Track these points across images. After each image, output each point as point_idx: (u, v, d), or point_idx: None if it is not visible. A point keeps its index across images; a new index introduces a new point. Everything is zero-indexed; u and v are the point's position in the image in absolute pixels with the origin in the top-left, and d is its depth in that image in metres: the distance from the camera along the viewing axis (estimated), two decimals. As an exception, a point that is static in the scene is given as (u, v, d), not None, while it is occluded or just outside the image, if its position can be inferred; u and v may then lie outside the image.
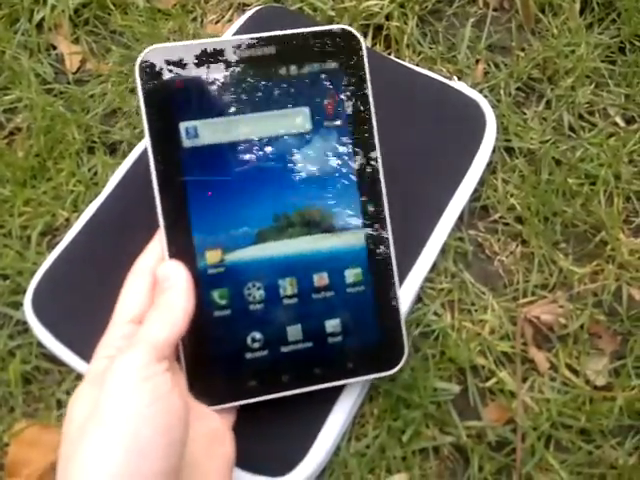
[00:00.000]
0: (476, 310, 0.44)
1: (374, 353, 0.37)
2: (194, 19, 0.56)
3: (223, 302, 0.36)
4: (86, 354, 0.41)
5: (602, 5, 0.55)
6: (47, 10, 0.55)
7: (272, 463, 0.36)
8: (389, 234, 0.37)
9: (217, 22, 0.56)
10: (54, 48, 0.55)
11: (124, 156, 0.48)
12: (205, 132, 0.36)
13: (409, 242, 0.44)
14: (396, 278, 0.37)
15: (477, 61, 0.53)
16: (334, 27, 0.37)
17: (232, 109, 0.36)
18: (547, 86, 0.52)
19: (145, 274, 0.34)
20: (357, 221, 0.37)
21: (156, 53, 0.35)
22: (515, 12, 0.55)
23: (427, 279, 0.45)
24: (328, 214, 0.37)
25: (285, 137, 0.36)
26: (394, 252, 0.38)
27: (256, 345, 0.36)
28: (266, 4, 0.54)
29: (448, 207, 0.45)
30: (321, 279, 0.37)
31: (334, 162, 0.37)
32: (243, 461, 0.36)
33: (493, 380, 0.42)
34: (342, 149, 0.37)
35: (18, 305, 0.44)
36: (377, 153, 0.37)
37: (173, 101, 0.35)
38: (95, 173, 0.49)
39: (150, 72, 0.35)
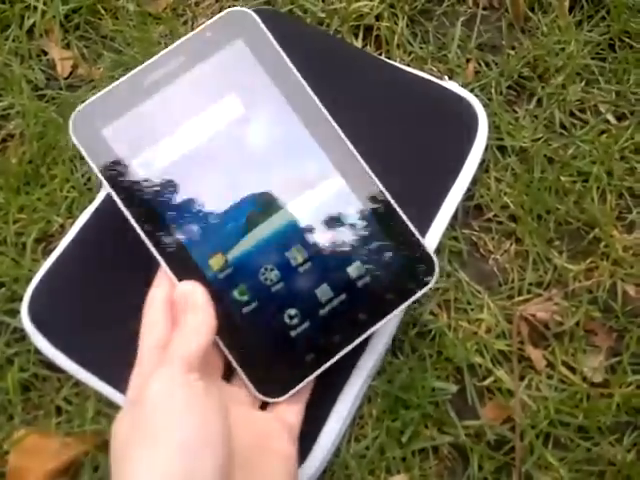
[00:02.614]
0: (472, 309, 0.45)
1: (405, 276, 0.37)
2: (185, 22, 0.55)
3: (245, 297, 0.37)
4: (84, 361, 0.41)
5: (591, 2, 0.55)
6: (37, 16, 0.54)
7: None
8: (362, 164, 0.38)
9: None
10: (45, 54, 0.54)
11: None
12: (157, 157, 0.37)
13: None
14: (392, 199, 0.38)
15: (468, 60, 0.53)
16: (224, 12, 0.38)
17: (171, 125, 0.37)
18: (538, 84, 0.52)
19: (159, 303, 0.35)
20: (328, 165, 0.37)
21: (83, 114, 0.37)
22: (505, 11, 0.55)
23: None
24: (300, 175, 0.37)
25: (229, 127, 0.37)
26: (379, 182, 0.38)
27: (295, 321, 0.37)
28: (256, 7, 0.54)
29: (442, 206, 0.46)
30: (324, 235, 0.37)
31: (282, 128, 0.38)
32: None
33: (490, 379, 0.42)
34: (283, 113, 0.38)
35: (15, 313, 0.43)
36: (314, 98, 0.38)
37: (116, 147, 0.37)
38: (89, 179, 0.49)
39: (87, 131, 0.36)
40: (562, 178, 0.48)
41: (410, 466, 0.40)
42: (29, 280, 0.43)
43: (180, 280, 0.36)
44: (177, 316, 0.34)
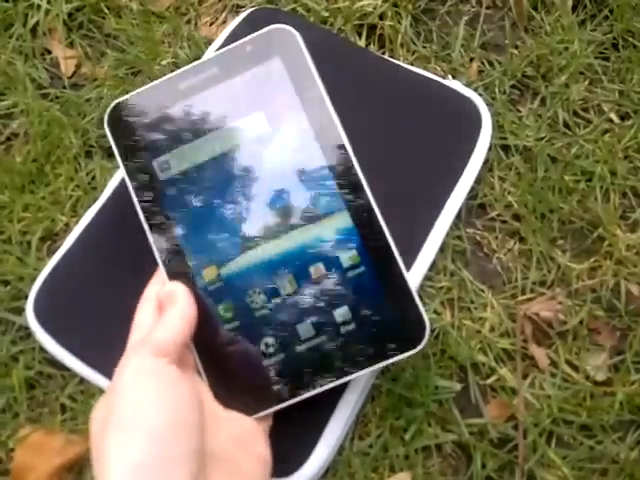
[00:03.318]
0: (476, 308, 0.45)
1: (393, 333, 0.35)
2: (188, 21, 0.55)
3: (229, 314, 0.36)
4: (88, 358, 0.41)
5: (594, 2, 0.55)
6: (41, 14, 0.54)
7: (277, 464, 0.36)
8: (374, 206, 0.36)
9: (211, 24, 0.56)
10: (49, 52, 0.55)
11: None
12: (176, 162, 0.38)
13: (408, 241, 0.44)
14: (395, 250, 0.36)
15: (471, 59, 0.53)
16: (268, 28, 0.38)
17: (194, 133, 0.38)
18: (541, 83, 0.52)
19: (151, 302, 0.36)
20: (338, 203, 0.37)
21: (119, 106, 0.39)
22: (508, 10, 0.55)
23: (426, 277, 0.45)
24: (308, 204, 0.37)
25: (249, 143, 0.38)
26: (385, 224, 0.36)
27: (271, 350, 0.36)
28: (260, 5, 0.55)
29: (446, 205, 0.46)
30: (318, 270, 0.36)
31: (301, 154, 0.37)
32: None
33: (494, 377, 0.43)
34: (305, 140, 0.37)
35: (20, 310, 0.44)
36: (339, 130, 0.37)
37: (143, 143, 0.38)
38: (93, 177, 0.49)
39: (118, 124, 0.38)
40: (566, 177, 0.48)
41: (413, 464, 0.40)
42: (34, 278, 0.43)
43: (170, 280, 0.36)
44: (161, 311, 0.35)
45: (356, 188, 0.37)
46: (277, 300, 0.36)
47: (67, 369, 0.42)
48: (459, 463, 0.41)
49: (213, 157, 0.38)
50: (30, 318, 0.42)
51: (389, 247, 0.36)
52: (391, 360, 0.35)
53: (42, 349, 0.42)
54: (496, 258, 0.47)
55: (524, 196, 0.48)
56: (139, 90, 0.39)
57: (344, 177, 0.37)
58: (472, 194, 0.48)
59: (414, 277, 0.43)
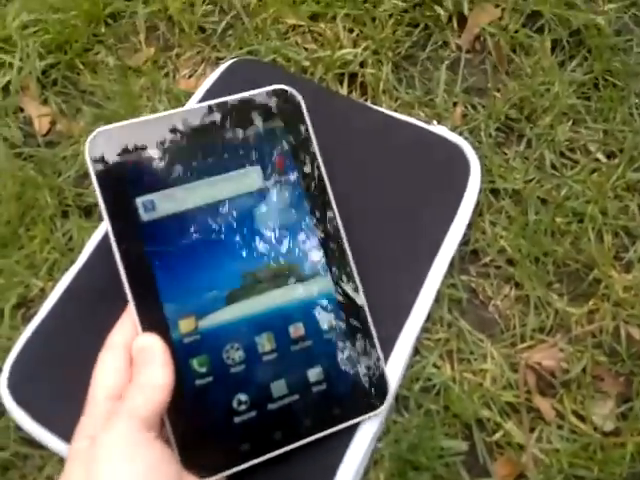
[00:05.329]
0: (475, 359, 0.43)
1: (359, 394, 0.37)
2: (166, 74, 0.55)
3: (203, 369, 0.35)
4: (69, 436, 0.38)
5: (572, 43, 0.55)
6: (14, 73, 0.53)
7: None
8: (354, 272, 0.38)
9: (190, 77, 0.55)
10: (22, 110, 0.53)
11: (100, 219, 0.46)
12: (162, 203, 0.36)
13: (402, 292, 0.43)
14: (369, 315, 0.38)
15: (454, 104, 0.53)
16: (273, 88, 0.38)
17: (185, 177, 0.36)
18: (526, 125, 0.52)
19: (119, 349, 0.33)
20: (321, 266, 0.37)
21: (103, 136, 0.35)
22: (487, 53, 0.56)
23: (423, 329, 0.43)
24: (293, 265, 0.37)
25: (241, 197, 0.37)
26: (362, 290, 0.38)
27: (243, 407, 0.35)
28: (239, 57, 0.54)
29: (439, 253, 0.44)
30: (297, 330, 0.37)
31: (291, 214, 0.38)
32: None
33: (500, 433, 0.41)
34: (296, 200, 0.38)
35: (-8, 386, 0.41)
36: (330, 197, 0.38)
37: (126, 179, 0.35)
38: (70, 238, 0.47)
39: (100, 154, 0.35)
40: (557, 219, 0.47)
41: (422, 532, 0.38)
42: (7, 350, 0.41)
43: (144, 330, 0.34)
44: (134, 368, 0.32)
45: (340, 253, 0.38)
46: (254, 357, 0.35)
47: (45, 448, 0.39)
48: (469, 528, 0.39)
49: (203, 205, 0.36)
50: (4, 394, 0.39)
51: (364, 312, 0.38)
52: (355, 420, 0.37)
53: (18, 427, 0.39)
54: (492, 305, 0.45)
55: (517, 240, 0.47)
56: (127, 122, 0.36)
57: (330, 241, 0.38)
58: (464, 240, 0.46)
59: (410, 330, 0.42)
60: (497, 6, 0.57)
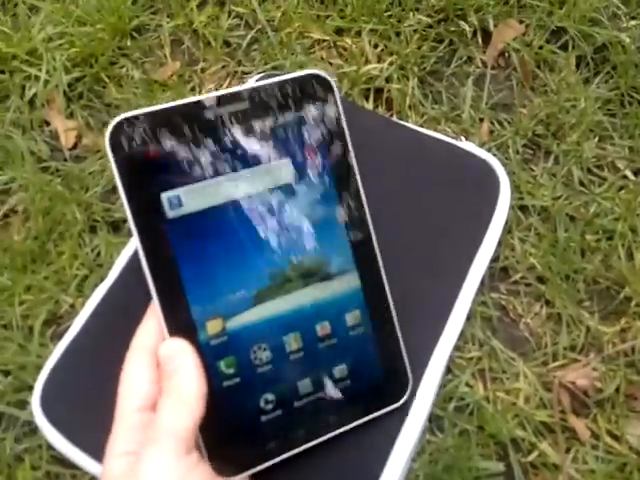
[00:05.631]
0: (508, 378, 0.43)
1: (381, 388, 0.36)
2: (192, 89, 0.54)
3: (231, 371, 0.34)
4: (101, 455, 0.37)
5: (596, 59, 0.55)
6: (40, 86, 0.53)
7: None
8: (381, 268, 0.36)
9: (216, 90, 0.55)
10: (48, 124, 0.53)
11: (129, 234, 0.46)
12: (189, 199, 0.34)
13: (434, 311, 0.42)
14: (392, 307, 0.37)
15: (481, 120, 0.53)
16: (303, 73, 0.35)
17: (212, 171, 0.34)
18: (553, 142, 0.52)
19: (145, 354, 0.31)
20: (350, 263, 0.36)
21: (126, 123, 0.32)
22: (512, 69, 0.56)
23: (455, 348, 0.43)
24: (322, 262, 0.36)
25: (270, 192, 0.35)
26: (386, 282, 0.37)
27: (269, 407, 0.34)
28: (265, 72, 0.54)
29: (470, 272, 0.44)
30: (323, 328, 0.35)
31: (321, 208, 0.36)
32: None
33: (535, 453, 0.40)
34: (327, 195, 0.36)
35: (24, 404, 0.40)
36: (360, 191, 0.36)
37: (151, 172, 0.33)
38: (98, 254, 0.46)
39: (122, 144, 0.32)
40: (587, 237, 0.47)
41: None
42: (37, 367, 0.40)
43: (171, 334, 0.32)
44: (164, 376, 0.30)
45: (368, 250, 0.36)
46: (281, 357, 0.35)
47: (77, 468, 0.38)
48: None
49: (231, 200, 0.34)
50: (37, 413, 0.38)
51: (389, 309, 0.36)
52: (378, 413, 0.36)
53: (50, 447, 0.39)
54: (523, 323, 0.45)
55: (547, 257, 0.47)
56: (152, 108, 0.33)
57: (359, 239, 0.36)
58: (494, 257, 0.46)
59: (443, 348, 0.41)
60: (521, 22, 0.57)
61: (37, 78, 0.53)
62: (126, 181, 0.32)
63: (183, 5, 0.57)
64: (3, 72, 0.54)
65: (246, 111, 0.34)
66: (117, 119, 0.32)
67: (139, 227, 0.32)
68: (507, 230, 0.48)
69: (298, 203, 0.36)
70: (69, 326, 0.41)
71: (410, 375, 0.37)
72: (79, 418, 0.38)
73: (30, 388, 0.40)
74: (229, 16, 0.58)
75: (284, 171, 0.36)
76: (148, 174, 0.33)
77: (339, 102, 0.35)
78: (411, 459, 0.39)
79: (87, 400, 0.39)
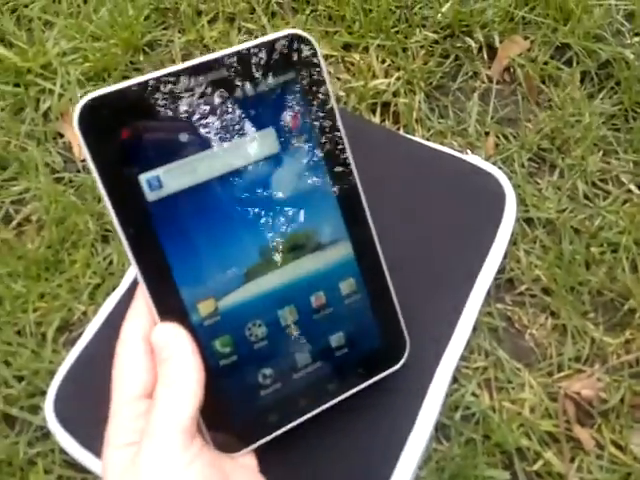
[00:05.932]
0: (513, 388, 0.43)
1: (379, 352, 0.36)
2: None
3: (227, 349, 0.33)
4: (113, 461, 0.38)
5: (601, 75, 0.56)
6: (54, 99, 0.54)
7: None
8: (374, 235, 0.36)
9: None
10: (61, 136, 0.54)
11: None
12: (169, 179, 0.31)
13: (440, 322, 0.43)
14: (386, 272, 0.36)
15: (487, 133, 0.54)
16: (282, 33, 0.33)
17: (192, 147, 0.32)
18: (557, 155, 0.52)
19: (137, 341, 0.30)
20: (341, 232, 0.35)
21: (96, 102, 0.29)
22: (518, 84, 0.57)
23: (461, 357, 0.43)
24: (313, 233, 0.35)
25: (254, 165, 0.33)
26: (379, 245, 0.36)
27: (268, 381, 0.34)
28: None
29: (476, 283, 0.45)
30: (318, 299, 0.35)
31: (308, 178, 0.35)
32: None
33: (540, 463, 0.41)
34: (313, 164, 0.35)
35: (37, 409, 0.41)
36: (348, 157, 0.35)
37: (126, 153, 0.31)
38: (110, 262, 0.47)
39: (93, 126, 0.30)
40: (591, 249, 0.48)
41: None
42: (50, 373, 0.41)
43: (162, 319, 0.30)
44: (159, 362, 0.29)
45: (360, 218, 0.36)
46: (277, 331, 0.35)
47: (89, 472, 0.39)
48: None
49: (214, 177, 0.32)
50: (50, 418, 0.39)
51: (384, 274, 0.36)
52: (379, 376, 0.36)
53: (62, 451, 0.39)
54: (529, 334, 0.46)
55: (552, 269, 0.47)
56: (120, 85, 0.30)
57: (349, 206, 0.35)
58: (500, 268, 0.47)
59: (449, 358, 0.42)
60: (526, 38, 0.58)
61: (51, 92, 0.54)
62: (100, 165, 0.30)
63: (194, 21, 0.59)
64: (18, 85, 0.55)
65: (224, 80, 0.32)
66: (85, 99, 0.29)
67: (118, 213, 0.29)
68: (513, 242, 0.48)
69: (284, 174, 0.34)
70: (81, 333, 0.42)
71: (407, 337, 0.36)
72: (91, 423, 0.39)
73: (43, 393, 0.40)
74: (239, 32, 0.59)
75: (268, 141, 0.33)
76: (123, 156, 0.30)
77: (323, 65, 0.33)
78: (418, 467, 0.39)
79: (99, 405, 0.39)
